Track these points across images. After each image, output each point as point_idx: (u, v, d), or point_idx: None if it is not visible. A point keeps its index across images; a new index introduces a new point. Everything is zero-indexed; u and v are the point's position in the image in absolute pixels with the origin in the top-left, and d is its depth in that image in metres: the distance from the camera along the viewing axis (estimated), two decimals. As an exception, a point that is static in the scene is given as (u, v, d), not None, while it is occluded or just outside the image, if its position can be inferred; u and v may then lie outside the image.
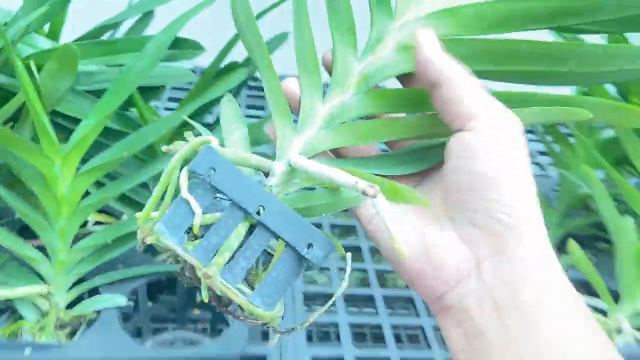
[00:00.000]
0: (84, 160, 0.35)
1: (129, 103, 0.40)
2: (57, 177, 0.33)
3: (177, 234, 0.24)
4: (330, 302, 0.26)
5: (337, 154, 0.29)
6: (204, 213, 0.24)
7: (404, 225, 0.26)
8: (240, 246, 0.24)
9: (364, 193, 0.22)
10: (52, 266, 0.35)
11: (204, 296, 0.24)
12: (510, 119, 0.25)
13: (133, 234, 0.38)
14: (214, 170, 0.25)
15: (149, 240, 0.24)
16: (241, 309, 0.25)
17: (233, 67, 0.38)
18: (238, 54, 0.39)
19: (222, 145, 0.27)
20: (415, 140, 0.29)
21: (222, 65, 0.39)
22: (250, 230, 0.25)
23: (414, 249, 0.25)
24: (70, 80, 0.35)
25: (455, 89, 0.24)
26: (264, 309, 0.24)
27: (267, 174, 0.27)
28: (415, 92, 0.27)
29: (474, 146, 0.24)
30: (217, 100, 0.39)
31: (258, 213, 0.24)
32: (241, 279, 0.24)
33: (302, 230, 0.25)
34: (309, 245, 0.25)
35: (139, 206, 0.41)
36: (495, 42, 0.26)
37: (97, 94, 0.40)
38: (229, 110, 0.29)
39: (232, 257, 0.24)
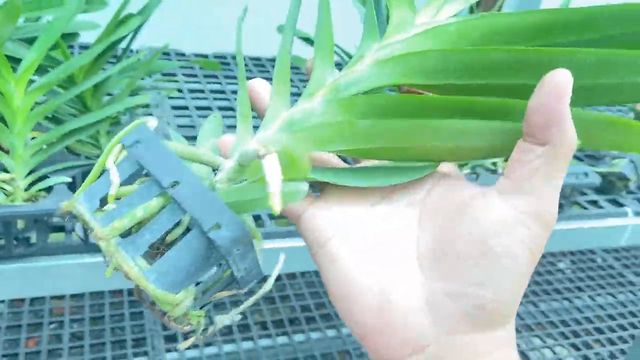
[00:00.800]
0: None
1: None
2: (12, 94, 0.48)
3: (91, 202, 0.23)
4: (252, 301, 0.25)
5: None
6: (123, 185, 0.24)
7: (362, 264, 0.23)
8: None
9: (258, 156, 0.21)
10: (13, 159, 0.50)
11: (108, 272, 0.23)
12: (553, 217, 0.22)
13: (65, 137, 0.53)
14: (139, 143, 0.24)
15: (65, 207, 0.24)
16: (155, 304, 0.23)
17: (130, 17, 0.55)
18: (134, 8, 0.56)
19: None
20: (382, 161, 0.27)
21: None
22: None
23: (370, 298, 0.22)
24: (12, 28, 0.50)
25: (554, 163, 0.21)
26: (159, 286, 0.22)
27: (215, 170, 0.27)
28: (389, 99, 0.25)
29: (509, 220, 0.21)
30: (119, 41, 0.55)
31: (173, 188, 0.23)
32: (142, 252, 0.23)
33: (213, 210, 0.23)
34: (217, 226, 0.22)
35: (60, 122, 0.56)
36: (469, 52, 0.24)
37: (26, 41, 0.54)
38: (211, 126, 0.31)
39: (139, 230, 0.23)
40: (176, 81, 0.89)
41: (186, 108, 0.82)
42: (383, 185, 0.25)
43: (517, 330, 1.24)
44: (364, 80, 0.26)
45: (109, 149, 0.24)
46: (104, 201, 0.24)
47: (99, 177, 0.24)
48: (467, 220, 0.22)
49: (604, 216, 0.76)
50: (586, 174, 0.72)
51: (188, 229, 0.25)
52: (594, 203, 0.79)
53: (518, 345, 1.20)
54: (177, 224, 0.24)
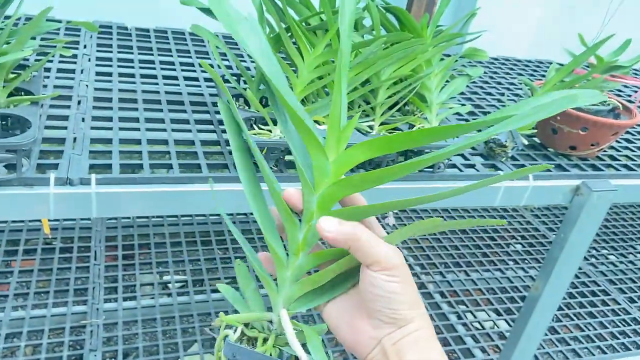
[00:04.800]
0: None
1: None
2: None
3: None
4: None
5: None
6: None
7: (342, 319, 0.43)
8: None
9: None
10: None
11: None
12: (391, 264, 0.39)
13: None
14: (237, 355, 0.38)
15: None
16: None
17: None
18: None
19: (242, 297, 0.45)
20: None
21: None
22: None
23: (346, 330, 0.42)
24: None
25: (361, 249, 0.39)
26: None
27: (271, 321, 0.42)
28: (333, 251, 0.42)
29: (374, 278, 0.39)
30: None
31: None
32: None
33: None
34: None
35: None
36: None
37: None
38: (241, 271, 0.46)
39: None
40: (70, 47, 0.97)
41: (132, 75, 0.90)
42: (344, 290, 0.44)
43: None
44: (317, 233, 0.40)
45: (217, 348, 0.41)
46: None
47: None
48: (366, 286, 0.40)
49: (476, 178, 0.82)
50: (456, 137, 0.78)
51: None
52: (473, 167, 0.85)
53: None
54: None
